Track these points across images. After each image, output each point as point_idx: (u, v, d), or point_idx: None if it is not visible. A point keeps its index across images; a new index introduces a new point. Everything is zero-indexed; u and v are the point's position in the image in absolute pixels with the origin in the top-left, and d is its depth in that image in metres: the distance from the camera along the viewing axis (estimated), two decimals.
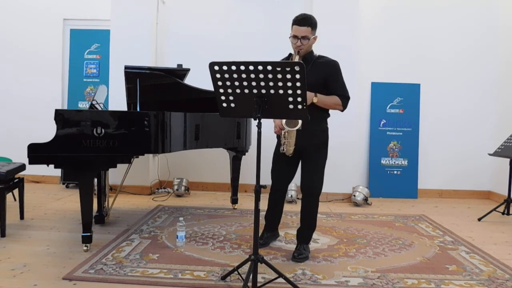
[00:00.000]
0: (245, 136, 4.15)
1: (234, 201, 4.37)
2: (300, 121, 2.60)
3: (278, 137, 2.96)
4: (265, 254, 2.96)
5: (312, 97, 2.71)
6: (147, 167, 5.03)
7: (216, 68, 2.23)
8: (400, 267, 2.82)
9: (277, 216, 3.22)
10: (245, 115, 2.47)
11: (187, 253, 2.99)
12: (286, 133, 2.76)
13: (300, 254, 2.91)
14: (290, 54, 2.96)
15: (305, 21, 2.74)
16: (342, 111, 2.91)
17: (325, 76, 2.84)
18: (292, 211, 4.18)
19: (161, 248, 3.07)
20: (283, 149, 2.82)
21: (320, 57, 2.91)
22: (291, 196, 4.69)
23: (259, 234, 3.18)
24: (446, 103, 5.26)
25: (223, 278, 2.54)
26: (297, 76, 2.16)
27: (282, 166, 3.01)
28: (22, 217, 3.76)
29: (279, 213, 3.21)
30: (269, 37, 5.05)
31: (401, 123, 5.24)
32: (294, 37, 2.76)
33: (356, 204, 4.72)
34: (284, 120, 2.66)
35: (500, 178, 4.84)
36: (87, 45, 5.41)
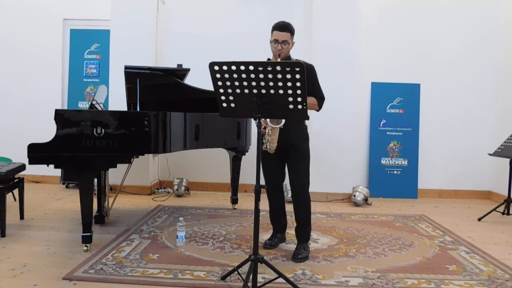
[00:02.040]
0: (245, 136, 4.15)
1: (234, 201, 4.37)
2: (283, 119, 2.69)
3: (261, 136, 3.00)
4: (265, 254, 2.96)
5: None
6: (147, 167, 5.03)
7: (216, 68, 2.23)
8: (400, 267, 2.82)
9: (282, 215, 3.26)
10: (245, 115, 2.49)
11: (187, 253, 2.99)
12: (270, 131, 2.84)
13: (300, 254, 2.94)
14: (269, 59, 3.01)
15: (285, 27, 2.88)
16: (318, 111, 3.04)
17: None
18: (292, 211, 4.17)
19: (161, 248, 3.07)
20: (266, 147, 2.89)
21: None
22: (291, 196, 4.67)
23: (270, 235, 3.26)
24: (446, 103, 5.26)
25: (223, 278, 2.54)
26: (297, 76, 2.17)
27: (271, 165, 3.07)
28: (22, 217, 3.76)
29: (282, 212, 3.25)
30: (269, 37, 5.04)
31: (401, 123, 5.24)
32: (275, 41, 2.88)
33: (356, 204, 4.72)
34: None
35: (500, 178, 4.83)
36: (87, 45, 5.41)
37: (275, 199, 3.19)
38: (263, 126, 2.87)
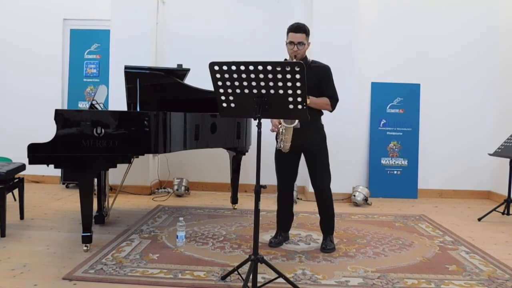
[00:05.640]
0: (245, 136, 4.15)
1: (234, 201, 4.37)
2: (297, 120, 2.71)
3: (276, 135, 3.04)
4: (265, 254, 2.96)
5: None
6: (147, 167, 5.03)
7: (216, 68, 2.24)
8: (400, 267, 2.82)
9: (289, 215, 3.30)
10: (245, 115, 2.50)
11: (187, 253, 3.00)
12: (284, 130, 2.86)
13: (328, 245, 3.10)
14: (286, 60, 3.02)
15: (300, 28, 2.92)
16: (331, 111, 3.10)
17: (318, 79, 3.01)
18: (295, 212, 4.17)
19: (161, 248, 3.08)
20: (280, 146, 2.92)
21: (314, 62, 3.07)
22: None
23: (274, 234, 3.30)
24: (446, 103, 5.26)
25: (223, 278, 2.54)
26: (297, 76, 2.17)
27: (285, 164, 3.13)
28: (22, 217, 3.76)
29: (290, 212, 3.30)
30: (269, 37, 5.05)
31: (401, 123, 5.24)
32: (291, 43, 2.91)
33: (356, 204, 4.72)
34: None
35: (500, 178, 4.83)
36: (87, 45, 5.41)
37: (285, 197, 3.23)
38: (277, 125, 2.92)
